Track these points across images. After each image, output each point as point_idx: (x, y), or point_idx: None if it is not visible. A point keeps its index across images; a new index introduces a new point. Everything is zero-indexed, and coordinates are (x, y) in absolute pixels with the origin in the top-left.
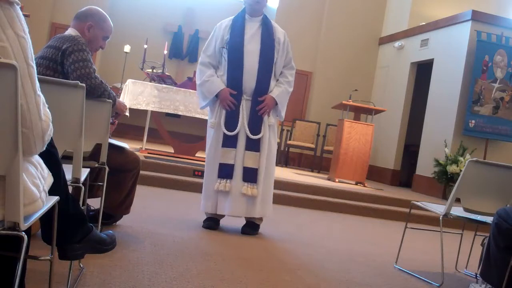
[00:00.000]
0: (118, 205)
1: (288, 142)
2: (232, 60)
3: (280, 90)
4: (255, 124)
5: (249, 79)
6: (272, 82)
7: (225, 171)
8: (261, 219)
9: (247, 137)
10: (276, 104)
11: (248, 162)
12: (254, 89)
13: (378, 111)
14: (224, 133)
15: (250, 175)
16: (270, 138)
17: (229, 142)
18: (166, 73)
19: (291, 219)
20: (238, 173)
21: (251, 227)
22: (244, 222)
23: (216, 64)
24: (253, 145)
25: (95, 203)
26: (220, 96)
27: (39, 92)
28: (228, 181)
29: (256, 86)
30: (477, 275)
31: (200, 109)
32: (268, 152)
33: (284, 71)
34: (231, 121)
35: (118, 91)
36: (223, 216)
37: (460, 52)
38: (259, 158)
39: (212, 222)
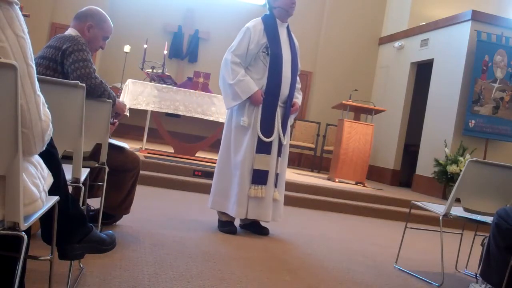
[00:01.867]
0: (118, 205)
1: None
2: (274, 68)
3: (300, 98)
4: (285, 130)
5: (285, 86)
6: None
7: (261, 178)
8: None
9: (279, 143)
10: None
11: (278, 167)
12: (287, 96)
13: (378, 111)
14: (260, 139)
15: (277, 180)
16: (287, 142)
17: (265, 148)
18: (166, 73)
19: (291, 219)
20: (270, 179)
21: (261, 226)
22: (238, 223)
23: (245, 65)
24: (280, 151)
25: (95, 203)
26: (253, 98)
27: (38, 92)
28: (264, 187)
29: (289, 93)
30: (477, 275)
31: (227, 109)
32: (285, 155)
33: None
34: (267, 126)
35: (118, 91)
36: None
37: (460, 52)
38: (281, 163)
39: (234, 227)
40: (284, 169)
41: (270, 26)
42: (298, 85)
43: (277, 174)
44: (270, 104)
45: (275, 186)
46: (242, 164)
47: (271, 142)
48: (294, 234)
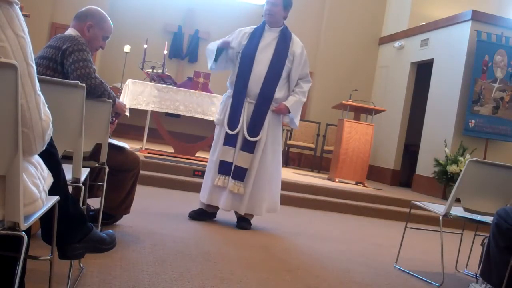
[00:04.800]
0: (118, 205)
1: (288, 142)
2: (242, 66)
3: (294, 100)
4: (254, 126)
5: (255, 84)
6: (286, 93)
7: (225, 168)
8: (251, 214)
9: (244, 138)
10: (289, 112)
11: (240, 161)
12: (258, 94)
13: (378, 111)
14: (226, 132)
15: (239, 174)
16: (267, 141)
17: (230, 141)
18: (166, 73)
19: (291, 219)
20: (231, 171)
21: (244, 221)
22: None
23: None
24: (248, 147)
25: (95, 203)
26: (221, 46)
27: (39, 92)
28: (227, 177)
29: (260, 91)
30: (477, 275)
31: (209, 69)
32: (263, 154)
33: (300, 82)
34: (233, 120)
35: (118, 91)
36: (214, 213)
37: (460, 52)
38: (252, 159)
39: (196, 214)
40: (262, 166)
41: (257, 30)
42: (297, 88)
43: (243, 169)
44: (236, 100)
45: (237, 179)
46: (212, 155)
47: (236, 135)
48: (294, 234)
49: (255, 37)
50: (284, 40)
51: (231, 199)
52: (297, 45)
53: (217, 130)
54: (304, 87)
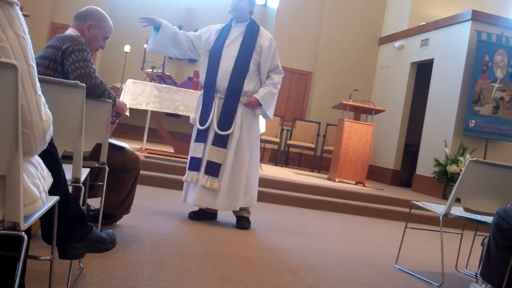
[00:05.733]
0: (118, 205)
1: (288, 142)
2: (210, 63)
3: (264, 92)
4: (225, 120)
5: (223, 79)
6: (258, 85)
7: (194, 164)
8: (248, 212)
9: (215, 132)
10: (260, 104)
11: (212, 156)
12: (226, 88)
13: (378, 111)
14: (197, 128)
15: (212, 169)
16: (242, 135)
17: (200, 136)
18: (166, 73)
19: (291, 219)
20: (202, 166)
21: (244, 220)
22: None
23: (187, 40)
24: (220, 141)
25: (95, 203)
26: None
27: (39, 92)
28: (196, 173)
29: (228, 85)
30: (477, 275)
31: (148, 49)
32: (239, 148)
33: (271, 74)
34: (203, 116)
35: (118, 91)
36: (215, 213)
37: (460, 52)
38: (225, 154)
39: (196, 215)
40: (238, 161)
41: (225, 27)
42: (268, 80)
43: (217, 164)
44: (206, 95)
45: (210, 174)
46: (189, 152)
47: (206, 130)
48: (294, 234)
49: (222, 34)
50: (250, 34)
51: (204, 194)
52: (265, 37)
53: (193, 129)
54: (275, 78)
